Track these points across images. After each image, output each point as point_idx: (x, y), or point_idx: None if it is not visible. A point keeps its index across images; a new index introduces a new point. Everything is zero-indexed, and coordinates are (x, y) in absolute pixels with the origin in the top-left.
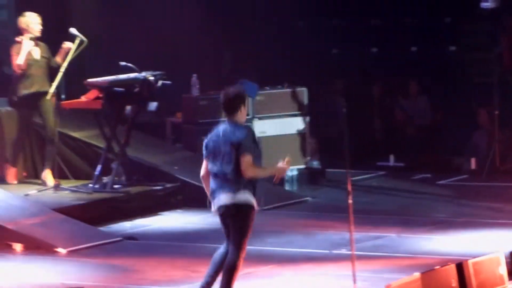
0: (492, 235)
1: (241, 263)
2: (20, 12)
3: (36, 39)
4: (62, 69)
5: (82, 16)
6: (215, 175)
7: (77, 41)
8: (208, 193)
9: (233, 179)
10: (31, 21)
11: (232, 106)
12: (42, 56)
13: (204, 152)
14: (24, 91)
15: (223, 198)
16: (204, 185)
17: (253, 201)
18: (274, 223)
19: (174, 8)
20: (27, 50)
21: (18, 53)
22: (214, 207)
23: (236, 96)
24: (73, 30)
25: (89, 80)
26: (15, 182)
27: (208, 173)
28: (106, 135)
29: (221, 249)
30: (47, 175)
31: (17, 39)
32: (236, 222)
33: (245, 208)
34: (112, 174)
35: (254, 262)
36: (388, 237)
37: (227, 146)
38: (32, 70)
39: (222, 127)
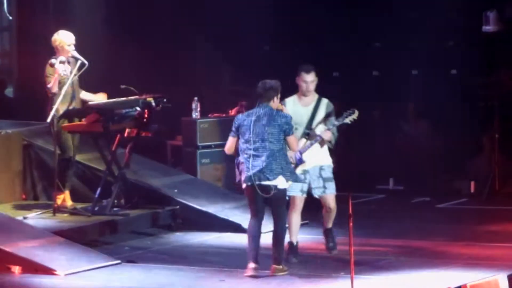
0: (491, 258)
1: None
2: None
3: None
4: (63, 92)
5: (82, 39)
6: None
7: (78, 64)
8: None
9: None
10: (66, 42)
11: (269, 94)
12: (74, 74)
13: (235, 130)
14: (61, 110)
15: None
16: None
17: None
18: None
19: (175, 32)
20: (59, 75)
21: (51, 75)
22: (251, 182)
23: (273, 87)
24: (74, 53)
25: (90, 103)
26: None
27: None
28: (106, 158)
29: (255, 222)
30: (67, 197)
31: (51, 61)
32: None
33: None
34: (112, 197)
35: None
36: (387, 260)
37: (275, 128)
38: (65, 89)
39: (261, 111)
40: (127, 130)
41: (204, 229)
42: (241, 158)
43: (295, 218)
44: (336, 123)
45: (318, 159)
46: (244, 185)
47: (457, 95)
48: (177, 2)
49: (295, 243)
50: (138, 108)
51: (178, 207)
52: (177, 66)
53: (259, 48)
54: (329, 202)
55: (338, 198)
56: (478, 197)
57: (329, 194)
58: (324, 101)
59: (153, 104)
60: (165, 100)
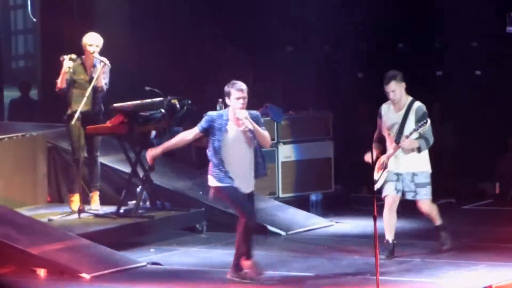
0: None
1: None
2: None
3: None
4: (87, 94)
5: (107, 40)
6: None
7: (100, 66)
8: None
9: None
10: (87, 43)
11: None
12: (91, 76)
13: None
14: (75, 110)
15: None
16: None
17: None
18: (299, 248)
19: (200, 35)
20: (66, 70)
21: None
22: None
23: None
24: (96, 55)
25: (115, 104)
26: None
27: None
28: (131, 160)
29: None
30: (95, 198)
31: (61, 58)
32: None
33: None
34: (137, 199)
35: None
36: (413, 262)
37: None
38: (79, 90)
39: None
40: (152, 132)
41: (229, 230)
42: (213, 159)
43: (390, 216)
44: (408, 133)
45: (411, 165)
46: (222, 185)
47: (482, 96)
48: (203, 2)
49: (390, 241)
50: (163, 110)
51: (203, 209)
52: (203, 67)
53: (284, 49)
54: (420, 207)
55: (363, 200)
56: (503, 198)
57: (419, 200)
58: (415, 105)
59: (178, 106)
60: (189, 102)
